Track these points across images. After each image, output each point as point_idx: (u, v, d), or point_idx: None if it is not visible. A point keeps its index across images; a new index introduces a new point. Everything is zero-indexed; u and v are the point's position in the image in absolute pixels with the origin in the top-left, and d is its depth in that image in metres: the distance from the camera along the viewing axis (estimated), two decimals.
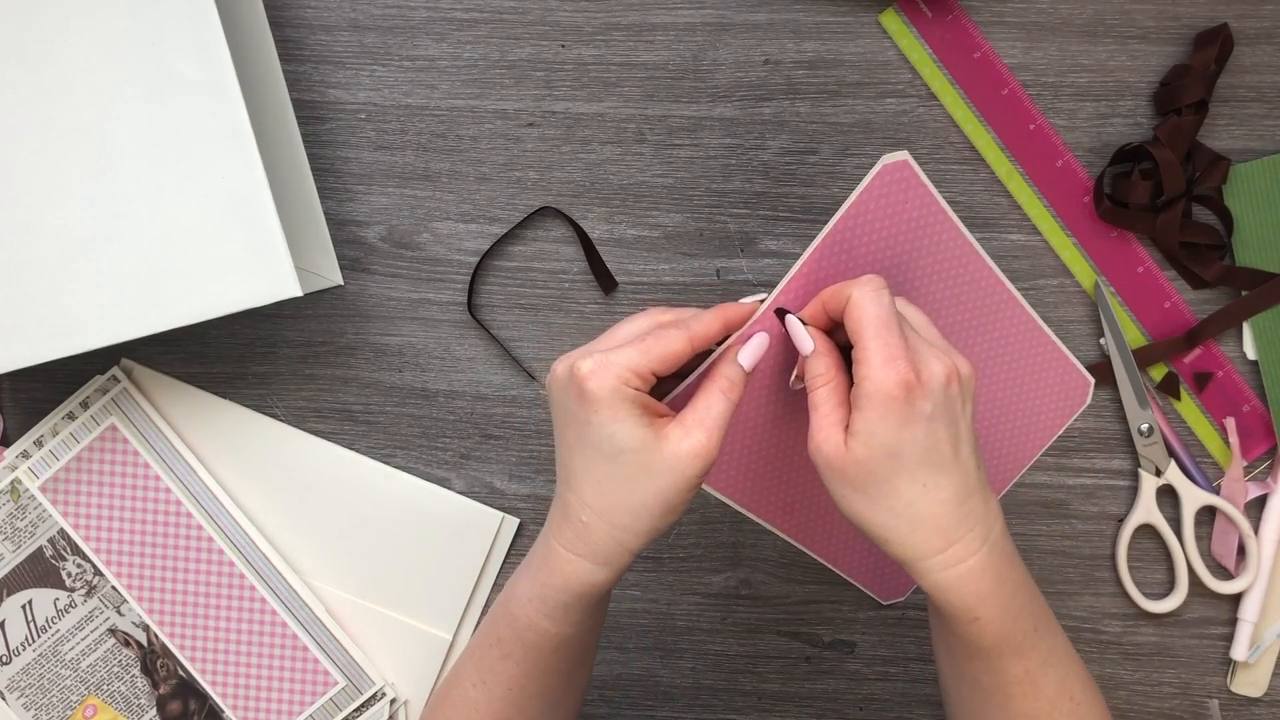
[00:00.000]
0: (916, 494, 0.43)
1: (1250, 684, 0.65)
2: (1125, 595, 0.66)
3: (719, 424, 0.44)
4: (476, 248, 0.65)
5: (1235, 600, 0.65)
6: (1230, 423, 0.64)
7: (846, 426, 0.44)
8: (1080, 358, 0.62)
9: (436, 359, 0.66)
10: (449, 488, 0.67)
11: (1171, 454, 0.64)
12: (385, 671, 0.67)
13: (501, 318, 0.66)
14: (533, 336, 0.66)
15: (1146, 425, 0.64)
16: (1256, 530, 0.64)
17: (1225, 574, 0.65)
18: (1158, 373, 0.64)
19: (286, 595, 0.66)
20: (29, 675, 0.67)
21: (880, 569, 0.62)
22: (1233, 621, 0.65)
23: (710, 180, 0.64)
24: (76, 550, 0.66)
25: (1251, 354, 0.64)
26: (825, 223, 0.47)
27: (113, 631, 0.67)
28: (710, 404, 0.45)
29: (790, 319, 0.47)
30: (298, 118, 0.64)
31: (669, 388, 0.47)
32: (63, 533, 0.66)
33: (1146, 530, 0.65)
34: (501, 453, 0.67)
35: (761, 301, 0.48)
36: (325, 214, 0.65)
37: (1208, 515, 0.65)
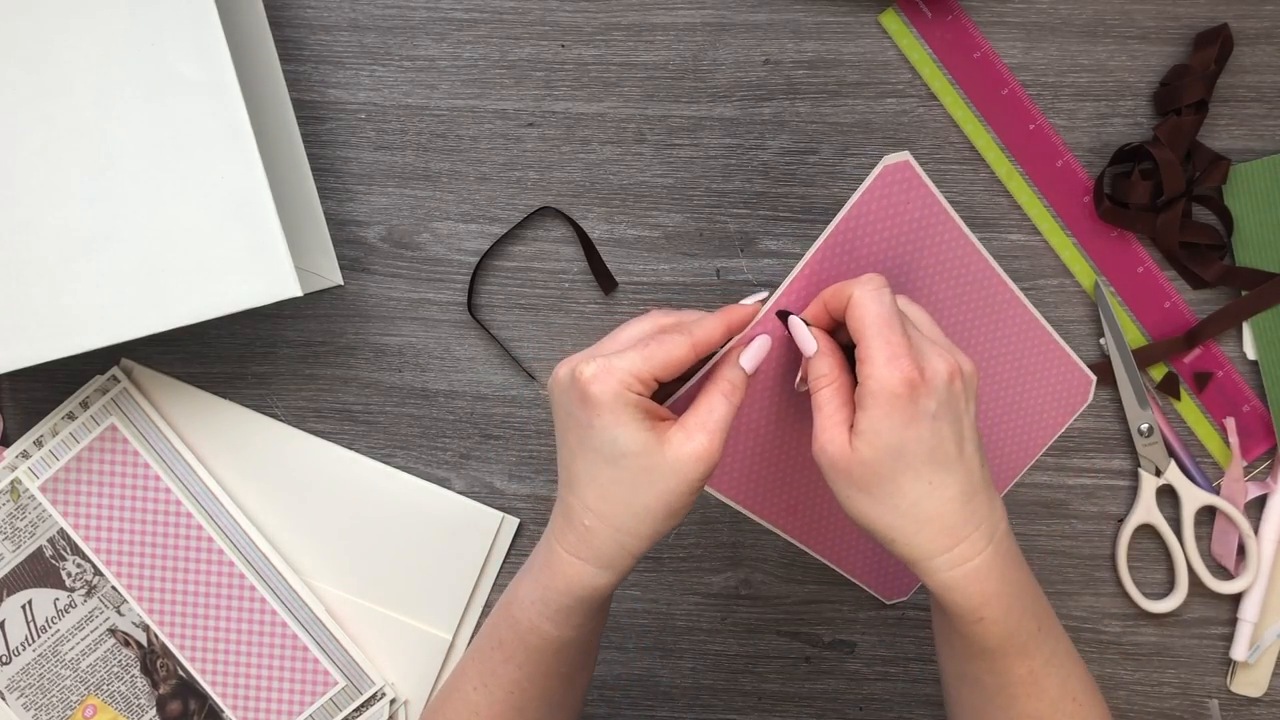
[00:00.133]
0: (922, 492, 0.43)
1: (1250, 684, 0.66)
2: (1125, 595, 0.66)
3: (721, 427, 0.44)
4: (476, 248, 0.65)
5: (1235, 600, 0.65)
6: (1230, 423, 0.64)
7: (851, 427, 0.44)
8: (1080, 358, 0.62)
9: (436, 359, 0.66)
10: (449, 488, 0.67)
11: (1171, 454, 0.64)
12: (385, 672, 0.67)
13: (501, 318, 0.66)
14: (533, 336, 0.66)
15: (1146, 425, 0.64)
16: (1256, 530, 0.64)
17: (1225, 574, 0.65)
18: (1158, 373, 0.64)
19: (286, 595, 0.66)
20: (29, 675, 0.67)
21: (883, 568, 0.63)
22: (1233, 621, 0.65)
23: (710, 180, 0.64)
24: (76, 550, 0.66)
25: (1251, 354, 0.64)
26: (825, 223, 0.47)
27: (112, 631, 0.67)
28: (712, 407, 0.45)
29: (793, 320, 0.47)
30: (298, 118, 0.64)
31: (671, 390, 0.47)
32: (63, 533, 0.66)
33: (1146, 530, 0.65)
34: (501, 453, 0.67)
35: (763, 300, 0.48)
36: (325, 214, 0.65)
37: (1208, 515, 0.65)
